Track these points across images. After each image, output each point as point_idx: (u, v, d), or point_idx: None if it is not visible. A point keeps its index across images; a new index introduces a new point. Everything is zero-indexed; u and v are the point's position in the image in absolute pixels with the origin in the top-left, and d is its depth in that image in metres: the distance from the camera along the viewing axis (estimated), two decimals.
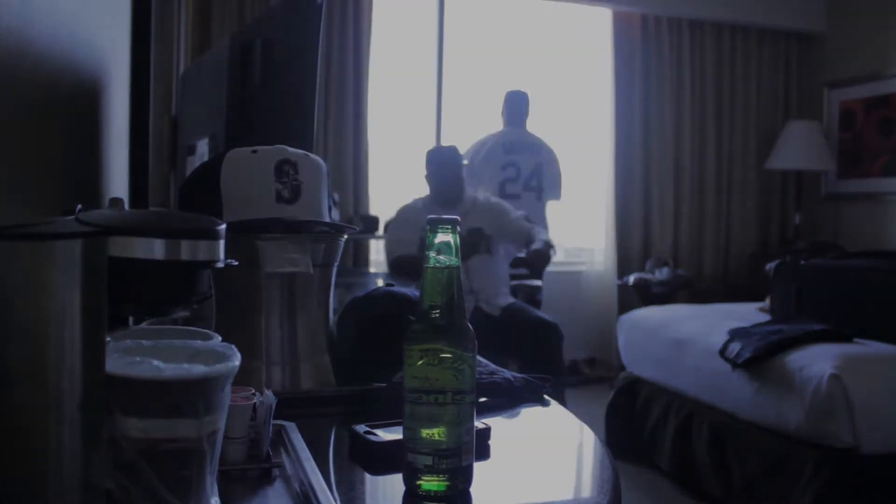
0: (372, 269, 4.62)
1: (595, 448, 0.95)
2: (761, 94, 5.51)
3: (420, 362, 0.75)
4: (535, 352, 3.35)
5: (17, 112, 0.92)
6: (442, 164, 3.67)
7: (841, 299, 3.21)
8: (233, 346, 0.61)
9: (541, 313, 3.56)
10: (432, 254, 0.77)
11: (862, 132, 5.12)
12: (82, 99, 1.37)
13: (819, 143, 5.09)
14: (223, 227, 0.58)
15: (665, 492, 3.27)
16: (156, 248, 0.54)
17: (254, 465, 0.80)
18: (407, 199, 3.85)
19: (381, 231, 4.72)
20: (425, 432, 0.75)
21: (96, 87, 1.48)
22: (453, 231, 0.77)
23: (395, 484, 0.80)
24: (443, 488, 0.74)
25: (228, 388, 0.57)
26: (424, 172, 3.75)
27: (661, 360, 3.54)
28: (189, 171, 1.92)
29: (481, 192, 3.87)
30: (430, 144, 5.11)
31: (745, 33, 5.45)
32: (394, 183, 5.10)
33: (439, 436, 0.74)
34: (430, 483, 0.74)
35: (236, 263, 0.63)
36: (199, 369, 0.54)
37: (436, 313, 0.76)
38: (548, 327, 3.41)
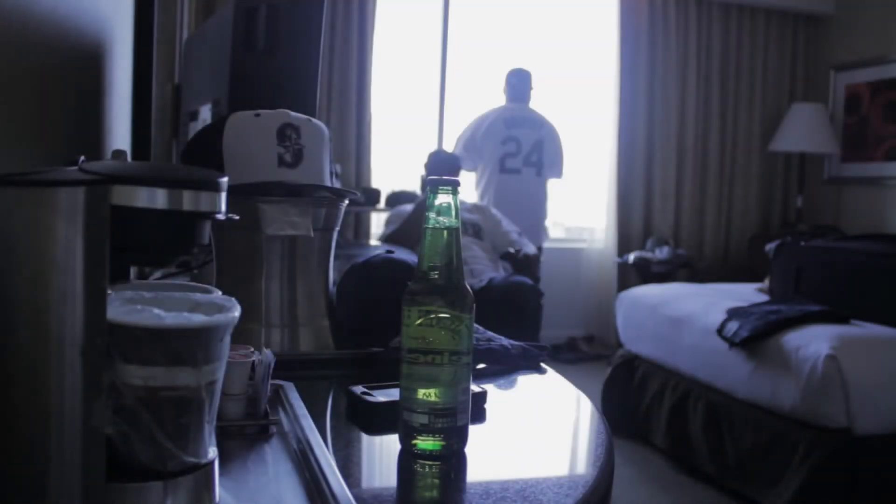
0: (372, 242, 4.63)
1: (591, 416, 0.96)
2: (767, 76, 5.49)
3: (418, 322, 0.75)
4: (513, 312, 3.37)
5: (20, 72, 0.92)
6: (441, 162, 3.79)
7: (839, 281, 3.22)
8: (232, 299, 0.61)
9: (521, 277, 3.58)
10: (432, 215, 0.78)
11: (867, 116, 5.10)
12: (85, 63, 1.37)
13: (823, 126, 5.07)
14: (225, 179, 0.59)
15: (659, 468, 3.30)
16: (158, 198, 0.55)
17: (251, 421, 0.80)
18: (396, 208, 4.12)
19: (382, 204, 4.73)
20: (421, 392, 0.75)
21: (99, 52, 1.48)
22: (453, 193, 0.78)
23: (390, 444, 0.81)
24: (438, 447, 0.75)
25: (227, 340, 0.58)
26: (423, 173, 3.89)
27: (659, 337, 3.56)
28: (191, 136, 1.91)
29: (482, 202, 4.03)
30: (433, 124, 5.13)
31: (752, 13, 5.41)
32: (396, 156, 5.10)
33: (435, 395, 0.75)
34: (425, 442, 0.75)
35: (237, 218, 0.63)
36: (199, 318, 0.55)
37: (434, 274, 0.76)
38: (524, 287, 3.44)
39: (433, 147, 5.14)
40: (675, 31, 5.23)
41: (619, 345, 4.01)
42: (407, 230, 3.57)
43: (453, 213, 0.78)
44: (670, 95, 5.26)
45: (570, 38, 5.31)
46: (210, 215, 0.58)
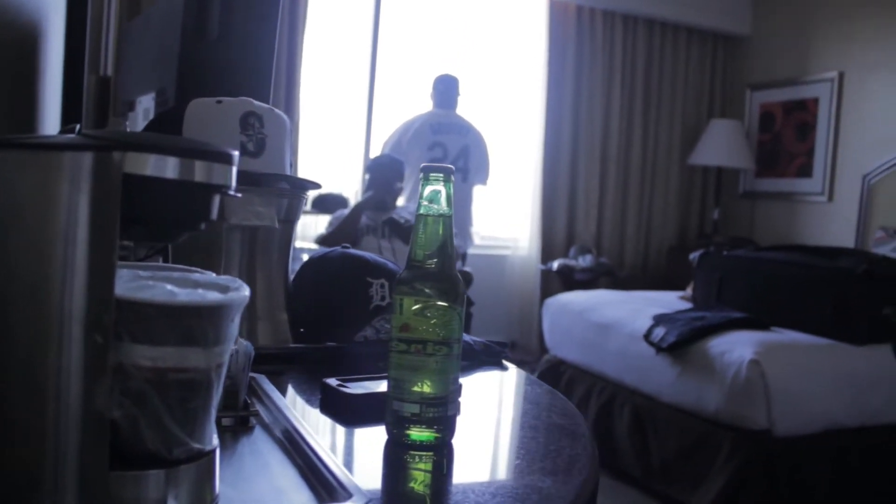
0: (298, 244, 4.55)
1: (568, 412, 0.96)
2: (687, 92, 5.66)
3: (410, 310, 0.74)
4: None
5: None
6: (384, 167, 3.76)
7: (759, 289, 3.34)
8: (236, 279, 0.59)
9: None
10: (424, 202, 0.76)
11: (780, 134, 5.32)
12: (20, 45, 1.30)
13: (740, 142, 5.27)
14: (237, 153, 0.56)
15: None
16: (168, 167, 0.52)
17: (232, 413, 0.77)
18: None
19: (308, 206, 4.66)
20: (412, 381, 0.74)
21: (34, 35, 1.40)
22: (446, 180, 0.77)
23: (370, 435, 0.79)
24: (431, 438, 0.74)
25: (237, 320, 0.55)
26: (366, 176, 3.85)
27: (586, 343, 3.62)
28: (129, 126, 1.84)
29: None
30: (361, 132, 5.09)
31: (675, 31, 5.58)
32: (323, 159, 5.05)
33: (426, 385, 0.74)
34: (419, 433, 0.73)
35: (240, 196, 0.61)
36: (213, 296, 0.52)
37: (429, 263, 0.75)
38: None
39: (360, 151, 5.11)
40: (602, 45, 5.35)
41: (543, 351, 4.05)
42: (341, 232, 3.54)
43: (444, 200, 0.77)
44: (595, 107, 5.37)
45: (499, 48, 5.36)
46: (221, 189, 0.55)
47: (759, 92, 5.51)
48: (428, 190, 0.76)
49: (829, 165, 4.97)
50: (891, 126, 4.60)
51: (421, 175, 0.77)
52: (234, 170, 0.56)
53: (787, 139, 5.27)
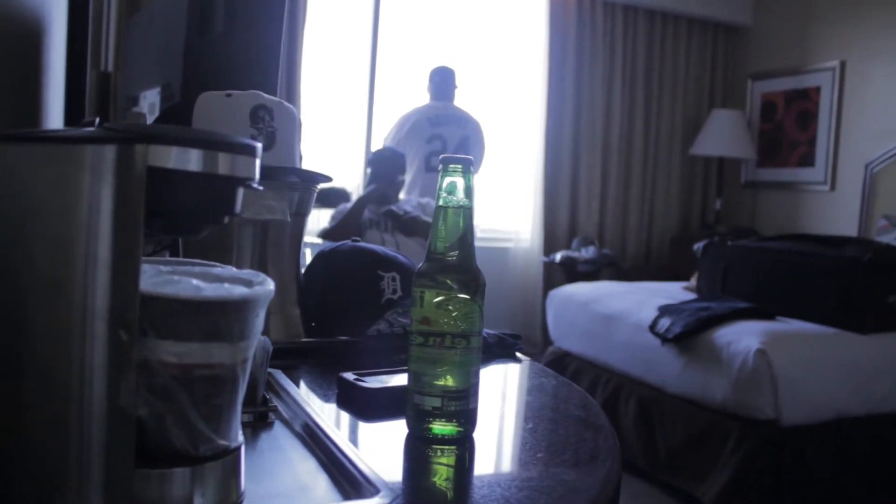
0: (306, 238, 4.54)
1: (586, 405, 0.95)
2: (688, 82, 5.64)
3: (431, 303, 0.73)
4: None
5: None
6: (385, 160, 3.76)
7: (763, 279, 3.33)
8: (260, 273, 0.58)
9: None
10: (443, 194, 0.75)
11: (782, 123, 5.31)
12: (24, 39, 1.29)
13: (741, 132, 5.25)
14: (260, 145, 0.55)
15: None
16: (192, 160, 0.51)
17: (251, 408, 0.77)
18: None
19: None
20: (433, 374, 0.73)
21: (38, 30, 1.39)
22: (465, 171, 0.76)
23: (388, 429, 0.79)
24: (454, 432, 0.73)
25: (262, 314, 0.55)
26: (368, 170, 3.94)
27: (591, 334, 3.61)
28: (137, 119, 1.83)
29: (424, 198, 3.93)
30: (362, 126, 5.08)
31: (675, 21, 5.56)
32: (324, 154, 5.04)
33: (448, 378, 0.73)
34: (442, 427, 0.73)
35: (261, 189, 0.60)
36: (239, 290, 0.51)
37: (450, 255, 0.74)
38: None
39: (362, 144, 5.09)
40: (602, 36, 5.33)
41: (547, 343, 4.04)
42: (344, 226, 3.53)
43: (462, 192, 0.76)
44: (596, 98, 5.35)
45: (500, 39, 5.34)
46: (245, 181, 0.54)
47: (760, 81, 5.49)
48: (447, 181, 0.75)
49: (831, 154, 4.95)
50: (893, 115, 4.59)
51: (440, 166, 0.76)
52: (258, 162, 0.55)
53: (789, 128, 5.25)
